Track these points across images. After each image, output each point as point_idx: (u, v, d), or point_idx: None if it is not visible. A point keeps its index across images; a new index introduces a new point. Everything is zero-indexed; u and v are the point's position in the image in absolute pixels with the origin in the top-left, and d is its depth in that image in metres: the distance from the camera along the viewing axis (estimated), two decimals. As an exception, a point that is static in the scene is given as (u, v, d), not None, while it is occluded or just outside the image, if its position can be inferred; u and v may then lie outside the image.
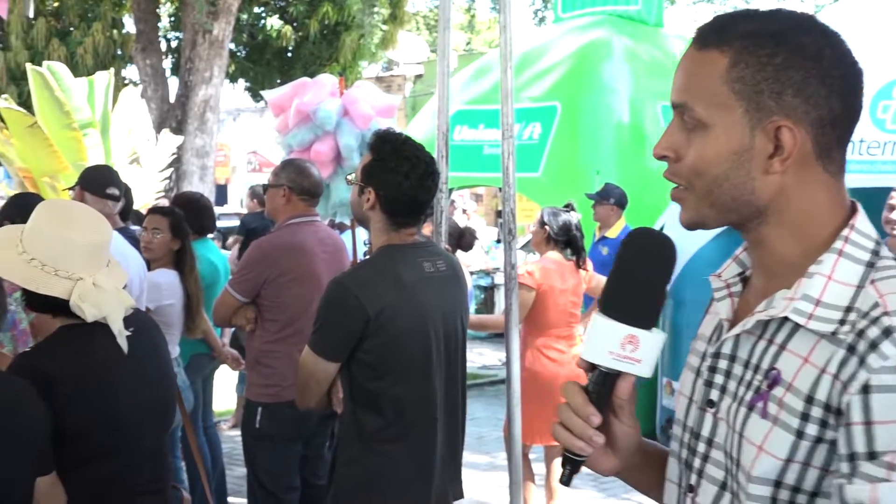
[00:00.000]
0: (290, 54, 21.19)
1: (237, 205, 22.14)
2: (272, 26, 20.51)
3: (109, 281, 3.04)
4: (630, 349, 1.51)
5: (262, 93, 6.84)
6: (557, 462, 6.24)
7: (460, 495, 3.68)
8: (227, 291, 5.06)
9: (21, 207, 4.36)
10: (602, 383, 1.54)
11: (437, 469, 3.48)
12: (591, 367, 1.55)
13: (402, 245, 3.51)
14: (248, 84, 22.29)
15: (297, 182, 5.06)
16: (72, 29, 23.20)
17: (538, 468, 6.39)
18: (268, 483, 5.03)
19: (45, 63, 12.72)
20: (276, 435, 4.98)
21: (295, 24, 20.56)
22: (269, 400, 4.99)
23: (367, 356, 3.37)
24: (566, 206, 6.33)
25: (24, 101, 16.06)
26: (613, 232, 8.47)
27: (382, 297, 3.37)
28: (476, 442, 8.17)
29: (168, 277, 5.41)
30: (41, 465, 2.86)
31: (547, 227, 6.20)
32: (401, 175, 3.43)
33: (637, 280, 1.53)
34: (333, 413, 5.21)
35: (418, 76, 29.52)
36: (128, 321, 3.06)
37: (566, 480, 1.59)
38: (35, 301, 3.08)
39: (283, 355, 4.95)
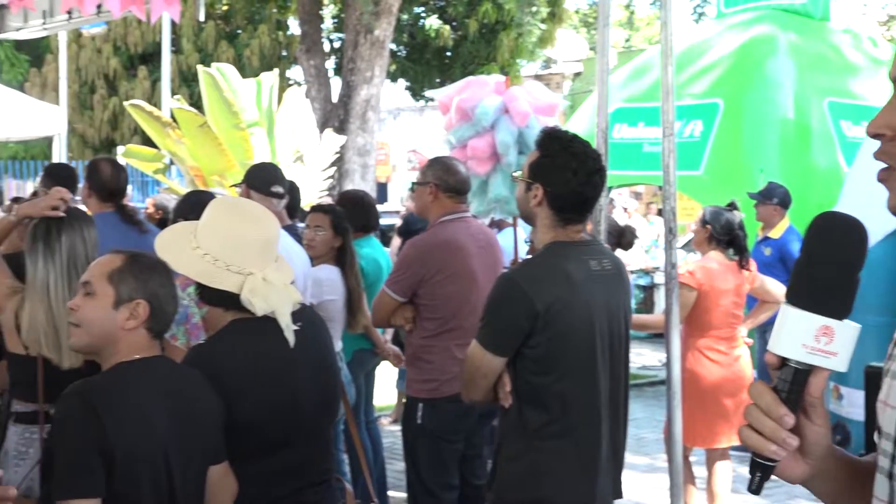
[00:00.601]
0: (449, 54, 21.35)
1: (397, 203, 22.39)
2: (431, 26, 20.69)
3: (278, 276, 3.12)
4: (825, 341, 1.41)
5: (430, 92, 6.93)
6: (719, 465, 6.13)
7: (620, 494, 3.66)
8: (385, 292, 5.10)
9: (194, 204, 4.50)
10: (793, 380, 1.44)
11: (601, 467, 3.46)
12: (780, 364, 1.45)
13: (568, 242, 3.49)
14: (407, 83, 22.54)
15: (443, 179, 5.08)
16: (239, 31, 23.92)
17: (699, 471, 6.29)
18: (427, 479, 5.06)
19: (214, 65, 13.09)
20: (437, 431, 5.02)
21: (454, 24, 20.70)
22: (429, 395, 5.02)
23: (533, 351, 3.36)
24: (729, 205, 6.20)
25: (195, 102, 16.60)
26: (776, 232, 8.26)
27: (551, 293, 3.35)
28: (635, 443, 8.09)
29: (330, 273, 5.51)
30: (214, 454, 2.96)
31: (709, 227, 6.09)
32: (569, 171, 3.41)
33: (828, 266, 1.42)
34: (493, 411, 5.25)
35: (577, 74, 29.36)
36: (295, 316, 3.14)
37: (756, 489, 1.49)
38: (208, 295, 3.18)
39: (441, 350, 4.98)
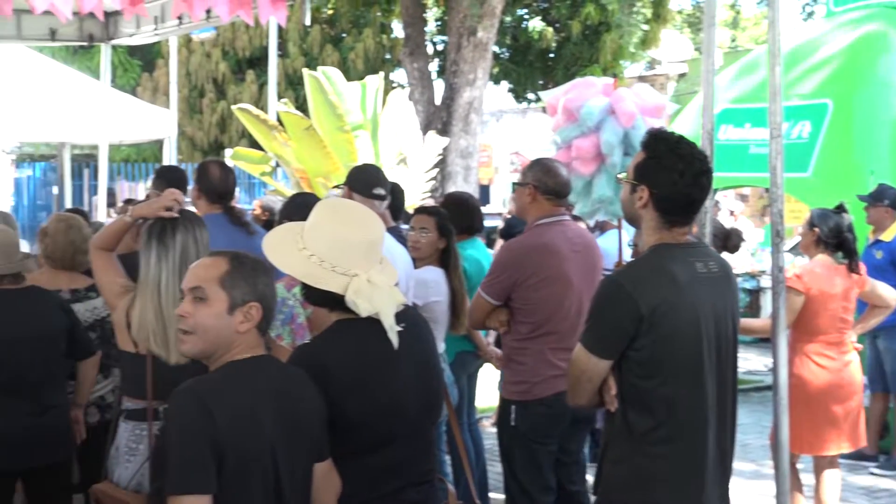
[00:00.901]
0: (552, 55, 21.28)
1: (499, 205, 22.39)
2: (535, 28, 20.65)
3: (382, 278, 3.15)
4: None
5: (540, 93, 6.90)
6: (828, 473, 6.01)
7: (727, 501, 3.60)
8: (480, 295, 5.11)
9: (299, 206, 4.55)
10: None
11: (708, 473, 3.40)
12: None
13: (674, 244, 3.45)
14: (510, 85, 22.52)
15: (542, 181, 5.06)
16: (344, 35, 24.17)
17: (806, 479, 6.17)
18: (523, 481, 5.06)
19: (319, 68, 13.24)
20: (529, 433, 5.01)
21: (557, 26, 20.63)
22: (521, 397, 5.02)
23: (638, 354, 3.32)
24: (837, 207, 6.08)
25: (301, 105, 16.83)
26: (888, 235, 8.05)
27: (656, 295, 3.30)
28: (741, 449, 7.90)
29: (435, 275, 5.54)
30: (318, 452, 3.01)
31: (816, 230, 5.98)
32: (676, 173, 3.37)
33: None
34: (589, 417, 5.22)
35: (682, 75, 29.00)
36: (399, 317, 3.16)
37: None
38: (313, 296, 3.23)
39: (535, 353, 4.98)
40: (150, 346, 3.84)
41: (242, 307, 2.89)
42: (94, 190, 19.40)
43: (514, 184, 5.51)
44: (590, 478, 5.70)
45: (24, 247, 7.72)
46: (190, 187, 5.66)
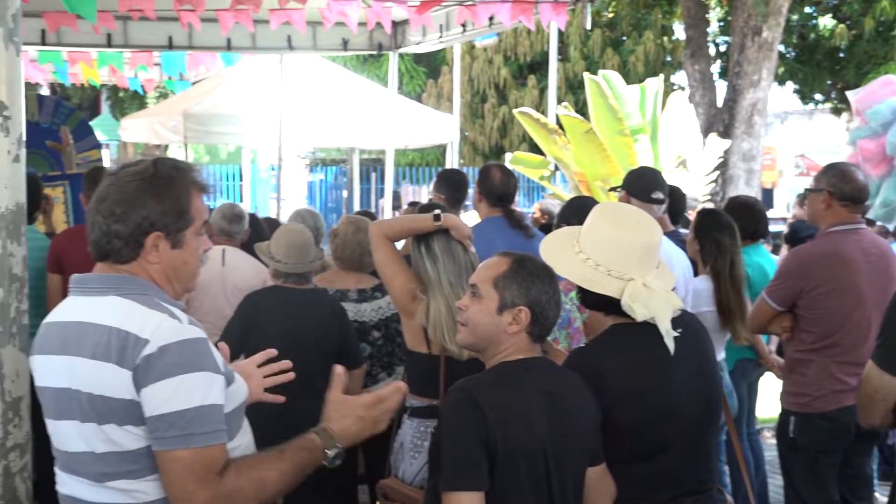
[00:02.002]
0: (842, 54, 20.39)
1: (783, 209, 21.66)
2: (825, 26, 19.84)
3: (659, 282, 3.12)
4: None
5: (847, 93, 6.61)
6: None
7: None
8: (763, 299, 4.98)
9: (577, 209, 4.58)
10: None
11: None
12: None
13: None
14: (796, 86, 21.74)
15: (838, 187, 4.85)
16: (624, 38, 24.05)
17: None
18: (804, 495, 4.89)
19: (600, 72, 13.24)
20: (810, 446, 4.83)
21: (848, 23, 19.74)
22: (801, 409, 4.86)
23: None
24: None
25: (581, 109, 16.87)
26: None
27: None
28: None
29: (708, 284, 5.39)
30: (591, 456, 3.02)
31: None
32: None
33: None
34: (876, 432, 4.96)
35: None
36: (675, 322, 3.13)
37: None
38: (589, 299, 3.24)
39: (818, 365, 4.81)
40: (445, 344, 3.95)
41: (511, 309, 2.93)
42: (380, 193, 20.18)
43: (805, 189, 5.30)
44: (882, 497, 5.43)
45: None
46: (471, 190, 5.79)
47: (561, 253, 3.20)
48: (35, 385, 2.58)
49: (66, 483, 2.53)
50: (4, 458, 3.70)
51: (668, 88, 17.71)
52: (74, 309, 2.49)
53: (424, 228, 4.12)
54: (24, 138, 3.70)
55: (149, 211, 2.43)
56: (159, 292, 2.47)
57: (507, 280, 2.95)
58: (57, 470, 2.56)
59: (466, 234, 4.08)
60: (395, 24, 9.61)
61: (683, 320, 3.23)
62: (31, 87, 11.98)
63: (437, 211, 4.10)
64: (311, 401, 4.95)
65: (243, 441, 2.52)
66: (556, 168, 14.23)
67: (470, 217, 6.52)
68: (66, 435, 2.46)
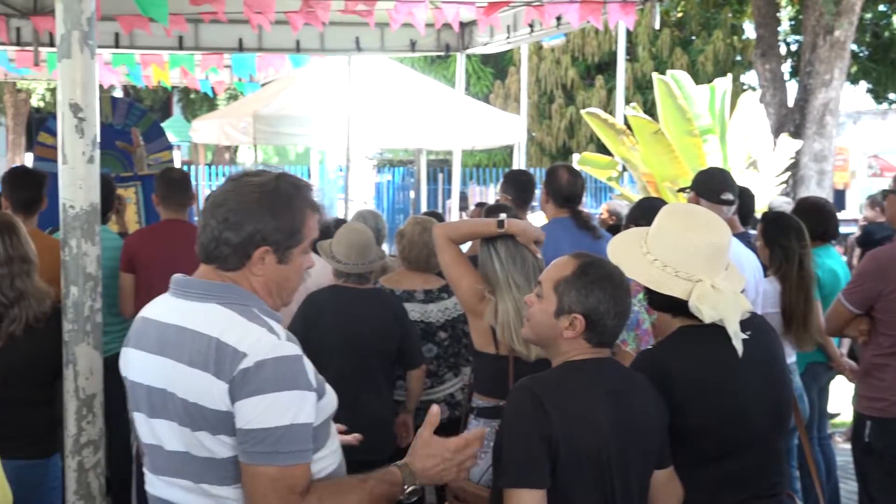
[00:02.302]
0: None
1: (855, 211, 21.33)
2: (900, 24, 19.54)
3: (727, 284, 3.09)
4: None
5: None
6: None
7: None
8: (840, 301, 4.94)
9: (646, 210, 4.56)
10: None
11: None
12: None
13: None
14: (869, 85, 21.41)
15: None
16: (693, 38, 23.85)
17: None
18: (881, 500, 4.83)
19: (668, 72, 13.16)
20: (886, 451, 4.76)
21: (924, 21, 19.41)
22: (878, 414, 4.79)
23: None
24: None
25: (649, 109, 16.77)
26: None
27: None
28: None
29: (775, 285, 5.31)
30: (658, 458, 3.00)
31: None
32: None
33: None
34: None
35: None
36: (744, 324, 3.10)
37: None
38: (656, 301, 3.22)
39: (895, 370, 4.74)
40: (513, 344, 3.96)
41: (567, 315, 2.91)
42: (447, 194, 20.22)
43: (883, 191, 5.23)
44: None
45: (384, 247, 8.17)
46: (538, 191, 5.79)
47: (629, 254, 3.18)
48: (125, 377, 2.62)
49: (158, 487, 2.56)
50: (78, 454, 3.77)
51: (738, 88, 17.54)
52: (174, 311, 2.52)
53: (488, 233, 4.12)
54: (99, 140, 3.76)
55: (263, 225, 2.46)
56: (260, 303, 2.51)
57: (567, 285, 2.92)
58: (147, 471, 2.60)
59: (533, 238, 4.07)
60: (462, 24, 9.62)
61: (753, 322, 3.20)
62: (104, 89, 12.19)
63: (503, 216, 4.10)
64: (372, 399, 5.02)
65: (330, 449, 2.55)
66: (624, 169, 14.18)
67: (537, 218, 6.51)
68: (162, 434, 2.49)
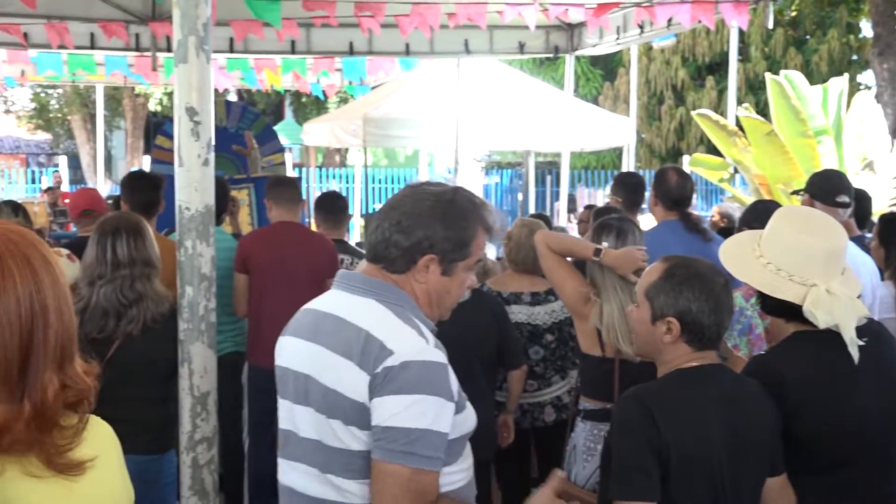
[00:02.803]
0: None
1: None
2: None
3: (843, 289, 3.03)
4: None
5: None
6: None
7: None
8: None
9: (760, 213, 4.48)
10: None
11: None
12: None
13: None
14: None
15: None
16: (807, 37, 23.38)
17: None
18: None
19: (782, 72, 12.93)
20: None
21: None
22: None
23: None
24: None
25: (762, 110, 16.50)
26: None
27: None
28: None
29: (891, 290, 5.17)
30: (771, 466, 2.94)
31: None
32: None
33: None
34: None
35: None
36: (861, 330, 3.02)
37: None
38: (769, 305, 3.16)
39: None
40: (619, 346, 3.95)
41: (662, 320, 2.89)
42: (555, 196, 20.16)
43: None
44: None
45: (491, 250, 8.19)
46: (647, 193, 5.74)
47: (741, 257, 3.14)
48: (277, 364, 2.67)
49: (287, 473, 2.62)
50: (193, 451, 3.86)
51: (854, 88, 17.14)
52: (334, 302, 2.59)
53: (584, 257, 4.17)
54: (213, 143, 3.84)
55: (433, 232, 2.51)
56: (415, 308, 2.56)
57: (656, 289, 2.90)
58: (281, 460, 2.65)
59: (631, 269, 4.06)
60: (571, 26, 9.60)
61: (870, 328, 3.12)
62: (219, 93, 12.45)
63: (603, 246, 4.14)
64: (475, 402, 5.01)
65: (461, 467, 2.57)
66: (736, 170, 13.96)
67: (646, 221, 6.45)
68: (301, 420, 2.54)
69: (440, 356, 2.43)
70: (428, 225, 2.50)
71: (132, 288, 3.95)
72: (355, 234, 15.83)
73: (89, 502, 1.75)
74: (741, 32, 19.27)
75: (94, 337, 3.91)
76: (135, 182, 5.71)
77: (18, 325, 1.66)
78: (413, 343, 2.41)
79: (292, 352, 2.60)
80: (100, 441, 1.79)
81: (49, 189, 18.71)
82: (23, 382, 1.66)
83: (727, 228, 7.61)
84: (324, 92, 13.81)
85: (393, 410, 2.34)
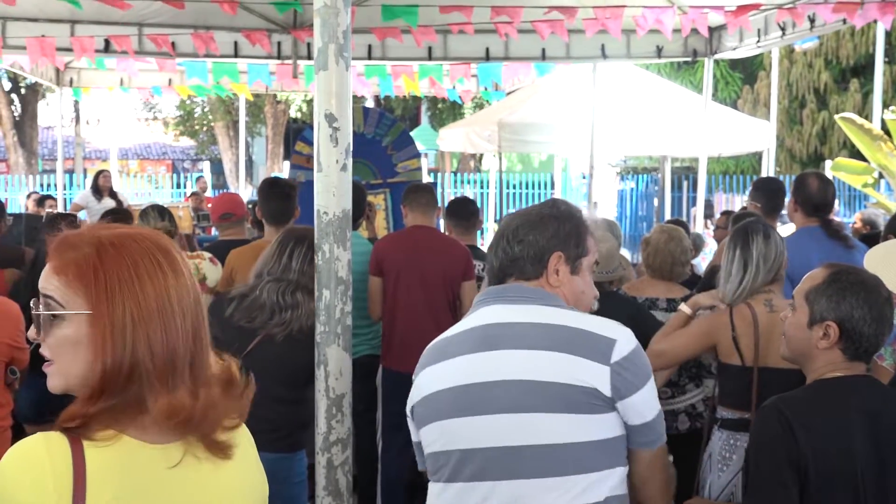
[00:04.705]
0: None
1: None
2: None
3: None
4: None
5: None
6: None
7: None
8: None
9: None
10: None
11: None
12: None
13: None
14: None
15: None
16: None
17: None
18: None
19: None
20: None
21: None
22: None
23: None
24: None
25: (908, 114, 15.94)
26: None
27: None
28: None
29: None
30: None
31: None
32: None
33: None
34: None
35: None
36: None
37: None
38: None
39: None
40: (757, 355, 3.89)
41: (820, 324, 2.83)
42: (692, 201, 19.88)
43: None
44: None
45: (626, 255, 8.11)
46: (787, 199, 5.62)
47: (888, 265, 3.05)
48: (425, 394, 2.66)
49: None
50: (328, 452, 3.91)
51: None
52: (497, 314, 2.62)
53: (681, 322, 4.29)
54: (351, 148, 3.89)
55: (552, 233, 2.64)
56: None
57: (818, 293, 2.84)
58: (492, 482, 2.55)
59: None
60: (710, 29, 9.45)
61: None
62: (357, 100, 12.64)
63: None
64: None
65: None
66: (881, 175, 13.56)
67: (786, 229, 6.30)
68: (533, 427, 2.49)
69: None
70: (544, 228, 2.64)
71: (293, 294, 4.13)
72: (489, 239, 15.87)
73: (232, 488, 1.81)
74: (887, 34, 18.70)
75: (241, 325, 4.05)
76: (265, 191, 5.88)
77: (192, 312, 1.74)
78: (618, 328, 2.55)
79: (489, 364, 2.55)
80: (238, 435, 1.85)
81: (193, 194, 19.22)
82: (195, 368, 1.72)
83: (870, 235, 7.39)
84: (460, 97, 13.89)
85: (643, 407, 2.53)
